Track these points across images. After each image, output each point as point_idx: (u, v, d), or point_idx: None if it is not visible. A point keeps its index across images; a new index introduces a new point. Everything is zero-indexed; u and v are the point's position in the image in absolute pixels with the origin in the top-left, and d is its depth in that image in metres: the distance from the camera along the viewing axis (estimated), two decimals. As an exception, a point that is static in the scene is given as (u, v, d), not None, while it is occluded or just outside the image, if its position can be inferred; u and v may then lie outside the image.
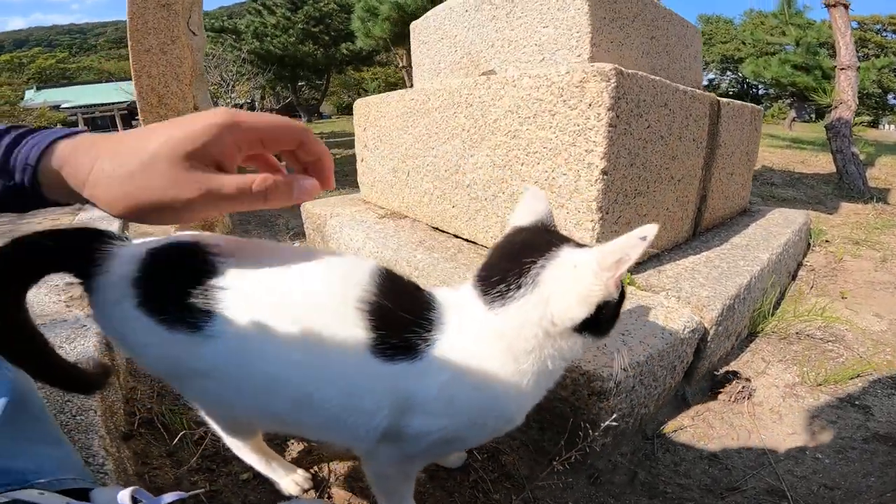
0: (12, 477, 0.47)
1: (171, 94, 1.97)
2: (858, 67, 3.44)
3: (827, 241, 1.92)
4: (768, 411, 0.96)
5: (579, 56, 1.17)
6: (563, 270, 0.46)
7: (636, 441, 0.87)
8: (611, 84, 0.87)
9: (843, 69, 3.39)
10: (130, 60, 1.91)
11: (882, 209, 2.58)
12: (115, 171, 0.33)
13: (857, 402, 0.98)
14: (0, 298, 0.45)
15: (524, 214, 0.54)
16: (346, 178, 3.98)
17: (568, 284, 0.45)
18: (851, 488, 0.78)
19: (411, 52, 1.91)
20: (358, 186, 1.95)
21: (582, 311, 0.45)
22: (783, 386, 1.03)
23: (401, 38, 8.77)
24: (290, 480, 0.71)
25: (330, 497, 0.73)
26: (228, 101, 10.35)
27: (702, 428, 0.91)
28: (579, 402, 0.74)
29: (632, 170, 0.99)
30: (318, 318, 0.45)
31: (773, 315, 1.26)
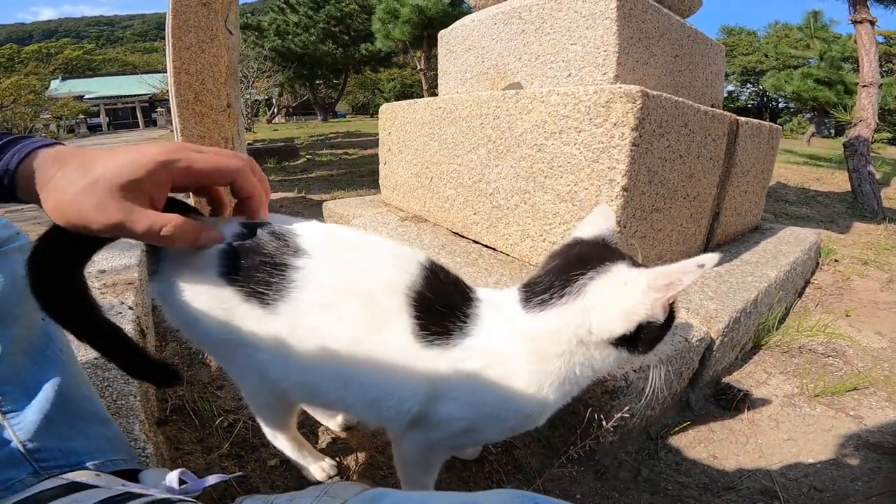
0: (69, 459, 0.49)
1: (206, 92, 2.05)
2: (881, 85, 3.44)
3: (836, 261, 1.95)
4: (766, 418, 1.01)
5: (605, 74, 1.23)
6: (611, 284, 0.47)
7: (641, 441, 0.92)
8: (636, 105, 0.92)
9: (864, 86, 3.39)
10: (170, 57, 1.99)
11: (894, 230, 2.59)
12: (65, 187, 0.37)
13: (851, 413, 1.03)
14: (66, 267, 0.45)
15: (587, 228, 0.55)
16: (362, 178, 4.05)
17: (613, 298, 0.46)
18: (840, 491, 0.83)
19: (438, 60, 1.98)
20: (372, 187, 2.01)
21: (621, 327, 0.46)
22: (782, 396, 1.08)
23: (419, 40, 8.87)
24: (317, 467, 0.74)
25: (354, 485, 0.78)
26: (248, 97, 10.52)
27: (703, 431, 0.96)
28: (592, 399, 0.80)
29: (650, 187, 1.05)
30: (371, 301, 0.48)
31: (777, 329, 1.30)
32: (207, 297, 0.50)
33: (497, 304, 0.54)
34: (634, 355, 0.50)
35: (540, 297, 0.50)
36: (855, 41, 3.47)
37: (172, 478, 0.50)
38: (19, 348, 0.50)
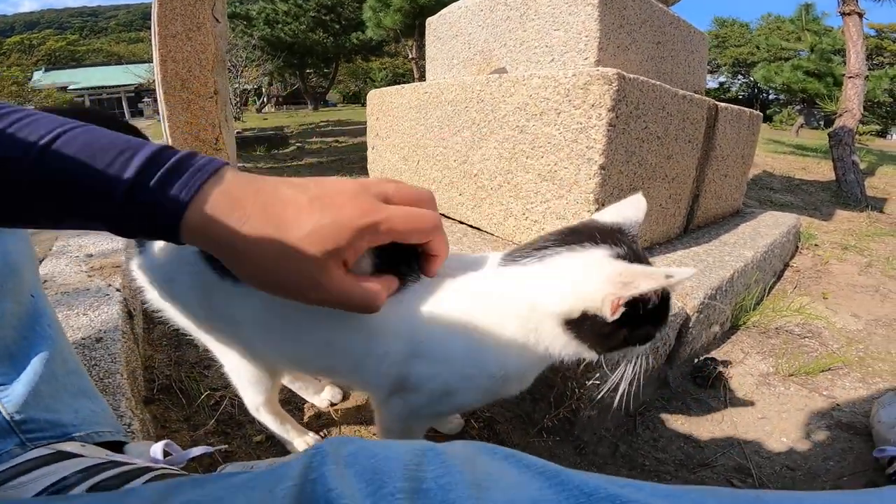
0: (56, 430, 0.50)
1: (193, 79, 2.04)
2: (867, 77, 3.48)
3: (816, 245, 1.98)
4: (742, 397, 1.03)
5: (587, 59, 1.25)
6: (575, 262, 0.46)
7: (619, 417, 0.94)
8: (612, 87, 0.94)
9: (851, 77, 3.42)
10: (156, 45, 1.98)
11: (876, 218, 2.64)
12: (260, 251, 0.33)
13: (824, 393, 1.05)
14: None
15: (611, 213, 0.54)
16: (352, 165, 4.05)
17: (568, 276, 0.45)
18: (811, 470, 0.84)
19: (426, 47, 1.98)
20: (362, 174, 2.01)
21: (563, 305, 0.45)
22: (757, 375, 1.11)
23: (411, 29, 8.79)
24: (301, 441, 0.75)
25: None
26: (236, 86, 10.38)
27: (680, 408, 0.98)
28: (570, 371, 0.82)
29: (628, 166, 1.07)
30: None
31: (754, 310, 1.33)
32: (190, 274, 0.51)
33: (476, 263, 0.54)
34: (585, 348, 0.48)
35: (513, 258, 0.51)
36: (843, 33, 3.50)
37: (157, 449, 0.52)
38: (8, 323, 0.51)
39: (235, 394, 0.87)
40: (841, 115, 3.44)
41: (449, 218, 1.50)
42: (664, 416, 0.97)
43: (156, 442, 0.62)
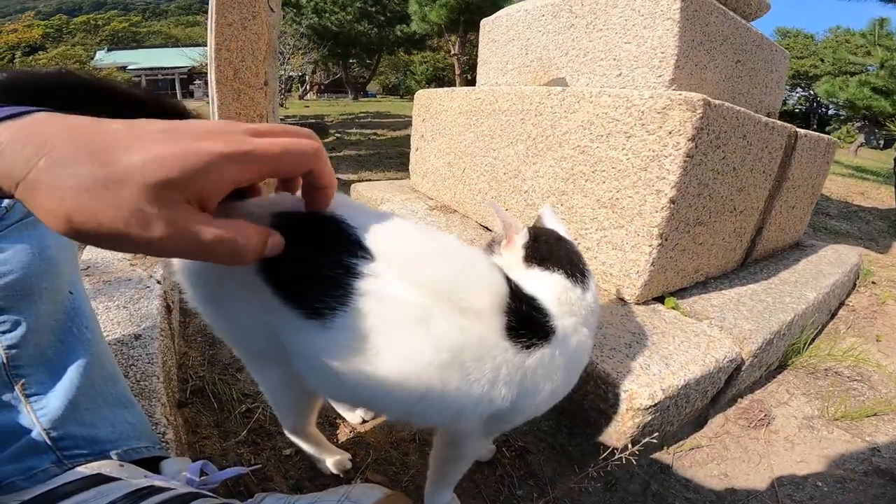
0: (93, 447, 0.47)
1: (245, 69, 2.07)
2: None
3: (873, 283, 1.86)
4: (783, 439, 0.99)
5: (660, 76, 1.18)
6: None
7: (655, 454, 0.91)
8: (696, 115, 0.87)
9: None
10: (213, 33, 2.01)
11: (940, 255, 2.44)
12: (66, 181, 0.24)
13: (867, 439, 1.01)
14: None
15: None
16: (390, 160, 4.05)
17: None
18: None
19: (479, 49, 1.94)
20: (399, 170, 2.00)
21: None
22: (801, 417, 1.06)
23: (455, 24, 8.74)
24: (333, 462, 0.73)
25: (367, 480, 0.75)
26: (282, 73, 10.58)
27: (717, 448, 0.95)
28: (616, 415, 0.79)
29: (698, 199, 1.00)
30: (459, 309, 0.43)
31: (805, 351, 1.26)
32: (240, 292, 0.44)
33: (554, 296, 0.54)
34: None
35: (579, 288, 0.57)
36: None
37: (194, 469, 0.50)
38: (45, 326, 0.47)
39: (267, 402, 0.87)
40: (911, 141, 3.20)
41: (492, 231, 1.47)
42: (700, 455, 0.94)
43: (186, 450, 0.59)
